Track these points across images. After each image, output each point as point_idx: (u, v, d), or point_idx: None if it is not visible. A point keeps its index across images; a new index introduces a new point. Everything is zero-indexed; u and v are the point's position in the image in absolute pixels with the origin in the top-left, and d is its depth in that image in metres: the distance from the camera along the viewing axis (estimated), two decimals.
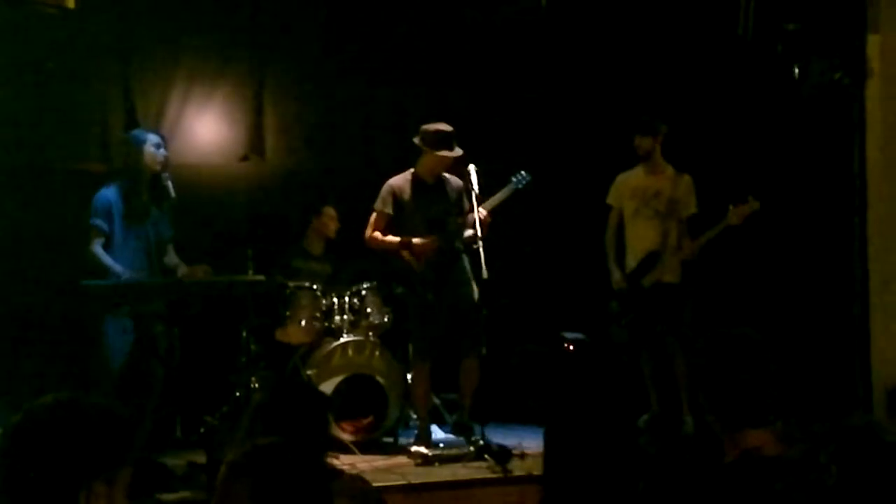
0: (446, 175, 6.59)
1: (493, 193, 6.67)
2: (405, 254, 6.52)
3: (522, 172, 6.77)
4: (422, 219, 6.54)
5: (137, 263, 6.12)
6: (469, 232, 6.38)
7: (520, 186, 6.76)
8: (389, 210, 6.56)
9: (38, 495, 2.01)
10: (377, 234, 6.58)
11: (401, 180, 6.60)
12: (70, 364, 6.71)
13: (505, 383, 7.11)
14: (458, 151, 6.45)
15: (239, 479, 2.24)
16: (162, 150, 6.23)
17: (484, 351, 6.49)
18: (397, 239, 6.54)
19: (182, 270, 6.27)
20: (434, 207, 6.54)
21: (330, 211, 7.54)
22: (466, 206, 6.51)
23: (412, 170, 6.60)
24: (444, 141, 6.42)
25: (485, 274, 6.05)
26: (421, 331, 6.61)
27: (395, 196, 6.56)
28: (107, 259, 6.05)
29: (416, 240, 6.49)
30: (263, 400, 3.07)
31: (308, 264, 7.46)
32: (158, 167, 6.20)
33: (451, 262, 6.54)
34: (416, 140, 6.49)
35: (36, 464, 2.02)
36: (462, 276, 6.55)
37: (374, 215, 6.61)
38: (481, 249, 6.11)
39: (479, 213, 6.32)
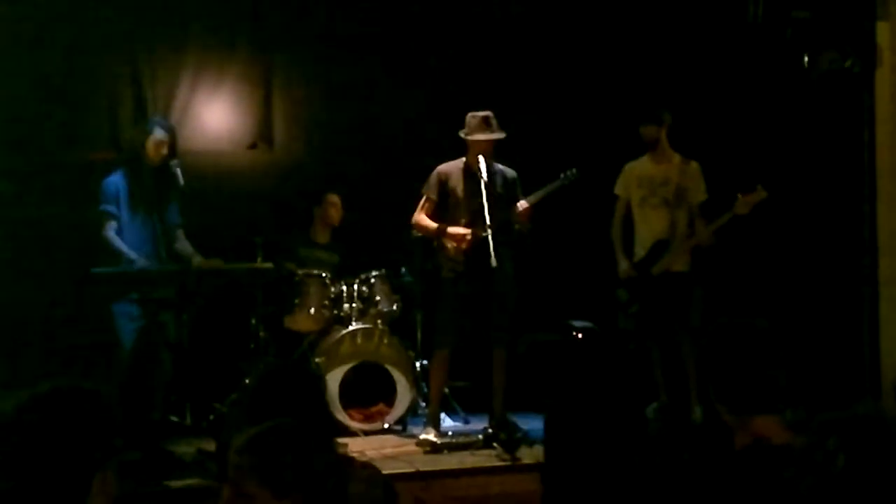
0: (498, 165, 6.55)
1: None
2: (445, 241, 6.51)
3: (574, 169, 6.66)
4: (466, 207, 6.51)
5: (144, 249, 6.13)
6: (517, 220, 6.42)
7: (566, 183, 6.66)
8: (434, 196, 6.56)
9: (53, 478, 2.01)
10: (422, 216, 6.59)
11: (450, 167, 6.60)
12: (81, 352, 6.73)
13: (512, 372, 7.10)
14: (492, 135, 6.43)
15: (246, 462, 2.25)
16: (165, 136, 6.21)
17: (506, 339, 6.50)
18: (435, 225, 6.55)
19: (197, 261, 6.28)
20: (479, 196, 6.41)
21: (332, 198, 7.53)
22: (519, 195, 6.53)
23: (463, 158, 6.59)
24: (476, 125, 6.44)
25: (493, 262, 6.04)
26: (447, 319, 6.56)
27: (441, 182, 6.56)
28: (121, 244, 6.08)
29: (451, 229, 6.48)
30: (253, 385, 3.04)
31: (314, 252, 7.46)
32: (164, 152, 6.20)
33: (490, 252, 6.47)
34: (461, 132, 6.49)
35: (52, 448, 2.02)
36: (501, 267, 6.38)
37: (421, 200, 6.62)
38: (490, 238, 6.10)
39: (522, 205, 6.43)
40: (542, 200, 6.59)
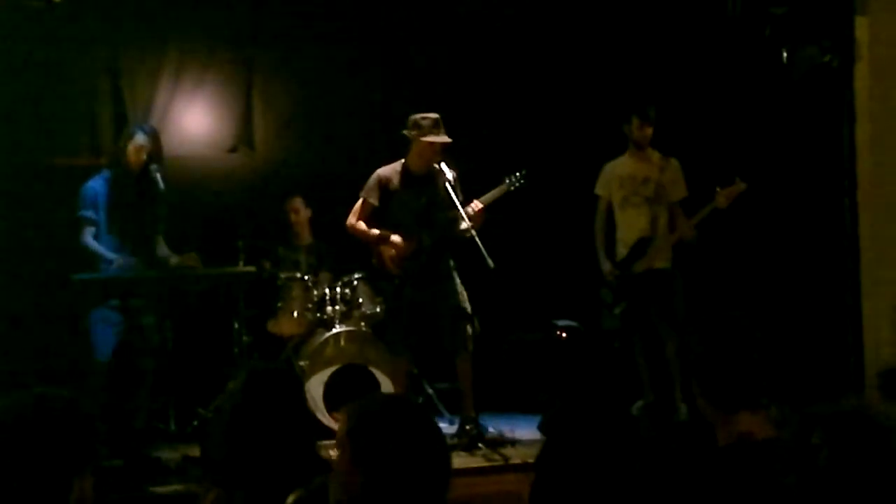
0: (438, 167, 6.39)
1: (481, 185, 6.61)
2: (382, 249, 6.43)
3: (518, 173, 6.55)
4: (409, 210, 6.43)
5: (124, 254, 6.08)
6: (465, 224, 6.21)
7: (512, 188, 6.56)
8: (374, 200, 6.45)
9: (31, 486, 1.99)
10: (359, 223, 6.49)
11: (390, 170, 6.48)
12: (61, 358, 6.69)
13: (497, 372, 7.09)
14: (444, 137, 6.30)
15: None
16: (146, 141, 6.17)
17: (471, 347, 6.37)
18: (377, 232, 6.44)
19: (173, 261, 6.23)
20: (422, 199, 6.42)
21: (293, 203, 7.51)
22: (461, 197, 6.42)
23: (402, 160, 6.49)
24: (430, 127, 6.31)
25: (490, 264, 5.93)
26: (394, 325, 6.55)
27: (382, 186, 6.44)
28: (98, 247, 6.03)
29: (394, 237, 6.39)
30: (235, 388, 3.00)
31: (294, 254, 7.44)
32: (144, 157, 6.15)
33: (436, 257, 6.44)
34: (405, 131, 6.41)
35: (29, 457, 2.00)
36: (445, 271, 6.44)
37: (358, 203, 6.50)
38: (478, 240, 6.05)
39: (475, 206, 6.29)
40: (493, 203, 6.47)
